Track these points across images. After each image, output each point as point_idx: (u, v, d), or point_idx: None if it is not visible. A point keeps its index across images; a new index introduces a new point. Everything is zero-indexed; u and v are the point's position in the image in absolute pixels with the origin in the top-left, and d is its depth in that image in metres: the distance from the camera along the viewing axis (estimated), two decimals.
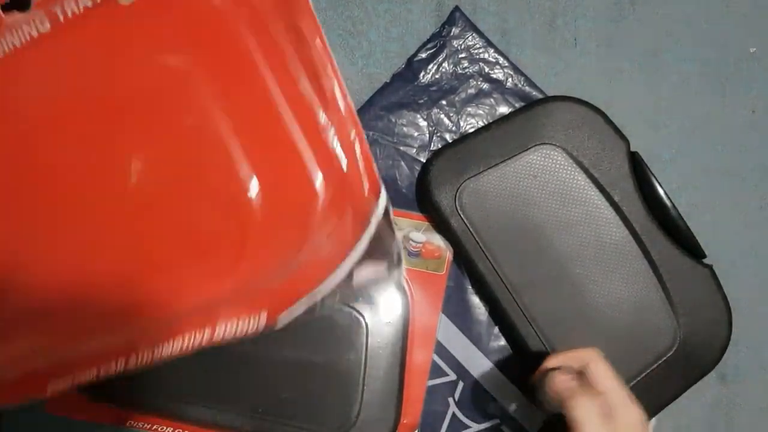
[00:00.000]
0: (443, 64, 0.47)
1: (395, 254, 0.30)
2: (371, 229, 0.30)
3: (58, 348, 0.32)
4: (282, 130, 0.31)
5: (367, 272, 0.30)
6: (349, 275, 0.30)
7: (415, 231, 0.45)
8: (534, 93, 0.47)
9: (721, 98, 0.49)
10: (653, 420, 0.46)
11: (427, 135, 0.47)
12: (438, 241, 0.45)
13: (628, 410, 0.34)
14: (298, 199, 0.32)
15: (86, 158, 0.32)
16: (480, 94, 0.47)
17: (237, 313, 0.31)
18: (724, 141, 0.49)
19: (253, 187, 0.32)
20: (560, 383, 0.35)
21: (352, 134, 0.31)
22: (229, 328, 0.31)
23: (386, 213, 0.30)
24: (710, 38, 0.49)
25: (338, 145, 0.31)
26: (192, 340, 0.31)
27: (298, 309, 0.30)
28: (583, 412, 0.33)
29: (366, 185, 0.31)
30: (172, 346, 0.31)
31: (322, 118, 0.31)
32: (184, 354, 0.31)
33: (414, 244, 0.45)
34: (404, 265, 0.45)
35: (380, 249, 0.30)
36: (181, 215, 0.32)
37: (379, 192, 0.30)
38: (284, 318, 0.30)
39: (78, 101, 0.32)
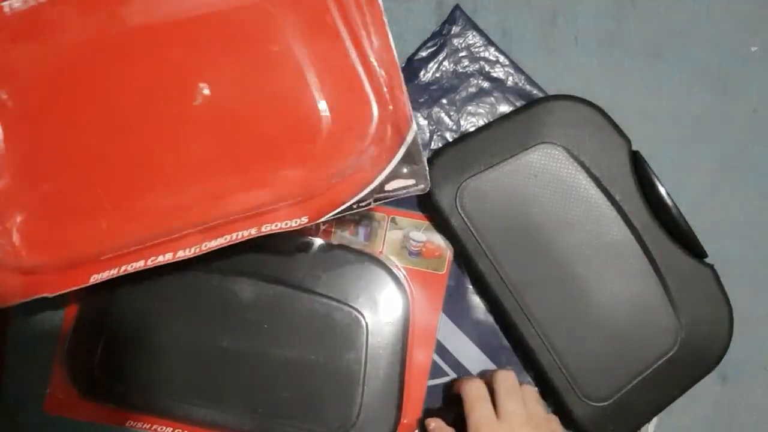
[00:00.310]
0: (443, 63, 0.47)
1: (422, 172, 0.37)
2: (404, 148, 0.37)
3: (113, 237, 0.38)
4: (347, 61, 0.38)
5: (397, 183, 0.37)
6: (382, 185, 0.37)
7: (415, 230, 0.45)
8: (535, 92, 0.47)
9: (723, 97, 0.49)
10: (654, 420, 0.46)
11: (428, 134, 0.47)
12: (438, 240, 0.45)
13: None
14: (358, 119, 0.39)
15: (165, 78, 0.39)
16: (480, 93, 0.47)
17: (282, 217, 0.37)
18: (725, 140, 0.49)
19: (323, 106, 0.39)
20: (431, 429, 0.41)
21: (395, 74, 0.38)
22: (272, 227, 0.37)
23: (414, 137, 0.37)
24: (711, 37, 0.49)
25: (384, 80, 0.38)
26: (237, 237, 0.37)
27: (335, 214, 0.37)
28: None
29: (407, 113, 0.38)
30: (218, 241, 0.37)
31: (373, 57, 0.38)
32: (228, 245, 0.37)
33: (414, 243, 0.45)
34: (409, 261, 0.45)
35: (410, 166, 0.37)
36: (254, 132, 0.39)
37: (411, 120, 0.38)
38: (321, 220, 0.37)
39: (169, 33, 0.38)
